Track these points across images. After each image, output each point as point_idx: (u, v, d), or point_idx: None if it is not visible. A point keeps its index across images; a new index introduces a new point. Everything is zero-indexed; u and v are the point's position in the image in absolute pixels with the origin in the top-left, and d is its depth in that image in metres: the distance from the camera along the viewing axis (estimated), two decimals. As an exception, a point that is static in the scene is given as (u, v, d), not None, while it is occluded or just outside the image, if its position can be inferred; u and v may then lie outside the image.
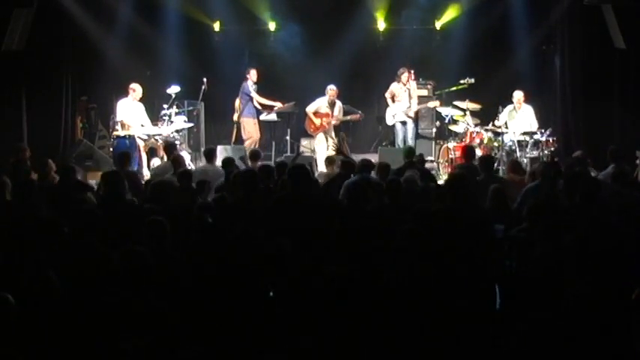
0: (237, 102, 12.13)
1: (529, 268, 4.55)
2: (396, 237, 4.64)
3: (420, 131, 12.39)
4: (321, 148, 11.75)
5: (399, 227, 4.81)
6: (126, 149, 9.72)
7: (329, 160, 9.35)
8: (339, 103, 11.88)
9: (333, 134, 11.96)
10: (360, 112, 12.16)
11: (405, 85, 11.79)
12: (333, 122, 11.88)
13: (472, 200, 5.80)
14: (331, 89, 11.75)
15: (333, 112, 11.84)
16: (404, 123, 11.81)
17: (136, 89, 10.95)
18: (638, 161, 9.64)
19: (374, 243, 4.79)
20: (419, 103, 12.05)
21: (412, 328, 3.83)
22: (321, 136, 11.85)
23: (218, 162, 9.07)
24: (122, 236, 4.96)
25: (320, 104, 11.82)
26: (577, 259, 4.08)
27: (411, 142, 11.63)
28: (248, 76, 11.95)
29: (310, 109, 11.84)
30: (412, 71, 12.63)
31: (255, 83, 11.99)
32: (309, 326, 3.81)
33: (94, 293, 3.84)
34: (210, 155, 9.18)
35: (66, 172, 7.35)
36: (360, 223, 5.32)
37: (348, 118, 11.95)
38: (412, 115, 11.80)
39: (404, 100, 11.80)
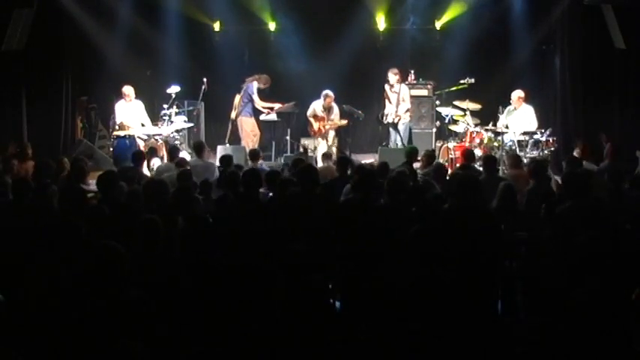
0: (238, 99, 12.08)
1: (535, 268, 4.55)
2: (404, 237, 4.63)
3: (419, 131, 12.38)
4: (321, 149, 11.77)
5: (402, 226, 4.81)
6: (130, 151, 9.74)
7: (325, 156, 9.42)
8: (336, 109, 11.81)
9: (329, 137, 11.93)
10: (360, 111, 12.14)
11: (392, 87, 11.79)
12: (328, 127, 11.82)
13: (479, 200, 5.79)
14: (327, 95, 11.63)
15: (329, 116, 11.81)
16: (394, 125, 11.83)
17: (128, 92, 10.94)
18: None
19: (378, 242, 4.80)
20: (419, 104, 12.09)
21: (415, 329, 3.83)
22: (320, 140, 11.86)
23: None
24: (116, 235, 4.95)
25: (315, 107, 11.80)
26: (586, 260, 4.08)
27: (400, 144, 11.63)
28: (258, 79, 11.93)
29: (309, 113, 11.86)
30: (412, 72, 12.67)
31: (259, 89, 11.97)
32: (310, 326, 3.82)
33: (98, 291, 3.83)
34: (200, 149, 9.21)
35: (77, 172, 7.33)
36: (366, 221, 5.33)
37: (344, 122, 11.87)
38: (396, 119, 11.77)
39: (393, 102, 11.81)
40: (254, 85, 11.90)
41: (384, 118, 11.92)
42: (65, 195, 6.28)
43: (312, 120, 11.84)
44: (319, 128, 11.81)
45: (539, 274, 4.52)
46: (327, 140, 11.85)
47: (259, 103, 11.98)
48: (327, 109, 11.77)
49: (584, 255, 4.18)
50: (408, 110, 11.81)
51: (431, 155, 8.93)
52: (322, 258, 4.71)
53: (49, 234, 4.77)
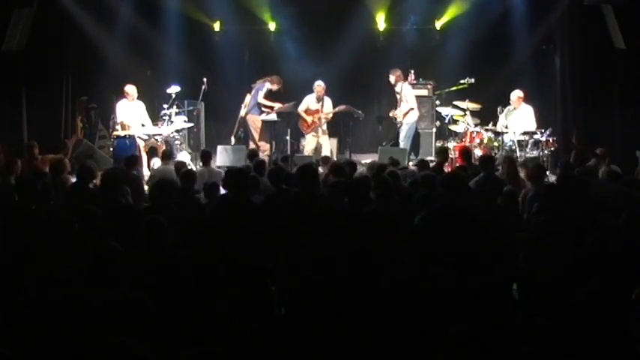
0: (248, 98, 12.18)
1: (539, 270, 4.54)
2: (401, 236, 4.63)
3: (419, 131, 12.38)
4: (309, 148, 11.79)
5: (400, 226, 4.81)
6: (130, 151, 9.73)
7: (324, 160, 9.41)
8: (327, 99, 11.89)
9: (325, 128, 11.96)
10: (360, 111, 12.14)
11: (394, 86, 11.82)
12: (323, 117, 11.87)
13: (469, 199, 5.80)
14: (319, 85, 11.78)
15: (322, 108, 11.86)
16: (399, 124, 11.86)
17: (130, 91, 10.96)
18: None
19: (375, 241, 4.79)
20: (419, 104, 12.11)
21: (413, 330, 3.83)
22: (310, 136, 11.87)
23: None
24: (117, 235, 4.95)
25: (308, 101, 11.88)
26: (586, 261, 4.07)
27: (401, 144, 11.65)
28: (270, 80, 11.98)
29: (301, 107, 11.89)
30: (412, 72, 12.67)
31: (271, 91, 12.03)
32: (310, 326, 3.82)
33: (96, 291, 3.84)
34: (207, 158, 9.20)
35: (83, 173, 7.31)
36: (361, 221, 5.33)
37: (337, 110, 11.91)
38: (398, 119, 11.82)
39: (398, 102, 11.84)
40: (265, 86, 11.98)
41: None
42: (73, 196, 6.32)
43: (304, 115, 11.87)
44: (313, 121, 11.83)
45: (537, 274, 4.51)
46: (319, 133, 11.87)
47: (261, 102, 12.03)
48: (319, 100, 11.81)
49: (584, 256, 4.18)
50: (412, 109, 11.80)
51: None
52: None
53: (46, 233, 4.78)
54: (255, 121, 12.04)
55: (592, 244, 4.10)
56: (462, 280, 4.19)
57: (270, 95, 12.16)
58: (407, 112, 11.76)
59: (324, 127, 11.96)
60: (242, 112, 12.29)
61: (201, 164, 9.58)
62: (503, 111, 11.12)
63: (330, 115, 11.90)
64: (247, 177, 6.39)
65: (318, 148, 11.80)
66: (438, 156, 8.98)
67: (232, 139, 12.32)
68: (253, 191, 6.44)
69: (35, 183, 6.44)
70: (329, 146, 11.96)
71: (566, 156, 9.44)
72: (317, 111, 11.84)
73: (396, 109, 11.95)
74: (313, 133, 11.87)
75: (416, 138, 12.07)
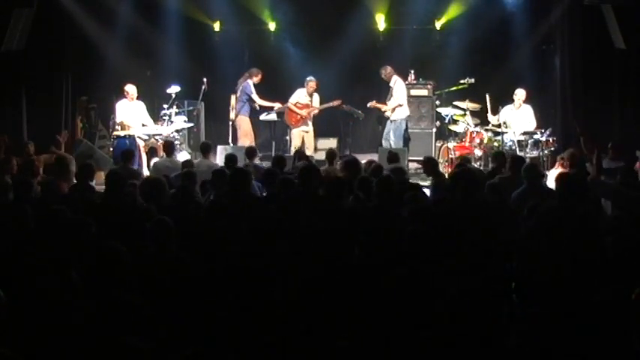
0: (234, 100, 12.12)
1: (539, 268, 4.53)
2: (402, 237, 4.63)
3: (419, 131, 12.37)
4: (295, 143, 11.80)
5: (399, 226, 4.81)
6: (127, 148, 9.74)
7: (329, 156, 9.36)
8: (316, 95, 11.95)
9: (310, 124, 11.98)
10: (359, 111, 12.13)
11: (388, 83, 11.83)
12: (314, 112, 11.92)
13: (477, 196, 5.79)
14: (311, 81, 11.84)
15: (311, 103, 11.90)
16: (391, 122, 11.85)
17: (130, 90, 10.96)
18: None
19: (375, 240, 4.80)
20: (419, 104, 12.10)
21: (411, 328, 3.82)
22: (297, 131, 11.87)
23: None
24: (123, 234, 4.95)
25: (299, 95, 11.90)
26: (607, 261, 4.08)
27: (392, 144, 11.57)
28: (255, 77, 11.93)
29: (292, 100, 11.89)
30: (412, 72, 12.67)
31: (255, 85, 12.00)
32: (310, 322, 3.82)
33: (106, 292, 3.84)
34: (207, 150, 9.21)
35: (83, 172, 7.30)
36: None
37: (329, 105, 11.93)
38: (389, 115, 11.79)
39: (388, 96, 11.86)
40: (250, 85, 11.90)
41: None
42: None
43: (295, 108, 11.86)
44: (308, 114, 11.83)
45: (534, 274, 4.51)
46: (306, 128, 11.90)
47: (259, 102, 11.99)
48: (310, 96, 11.87)
49: (584, 255, 4.19)
50: (399, 106, 11.71)
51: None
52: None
53: (60, 232, 4.77)
54: (242, 122, 11.90)
55: (608, 246, 4.11)
56: (463, 280, 4.20)
57: (258, 90, 12.06)
58: (394, 108, 11.72)
59: (310, 122, 11.99)
60: (232, 116, 12.20)
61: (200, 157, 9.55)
62: (503, 109, 11.14)
63: (317, 111, 11.92)
64: (248, 177, 6.38)
65: (304, 144, 11.78)
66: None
67: (230, 144, 12.22)
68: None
69: (31, 184, 6.43)
70: (313, 143, 11.95)
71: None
72: (307, 105, 11.87)
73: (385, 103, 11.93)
74: (300, 128, 11.87)
75: (405, 138, 12.02)
